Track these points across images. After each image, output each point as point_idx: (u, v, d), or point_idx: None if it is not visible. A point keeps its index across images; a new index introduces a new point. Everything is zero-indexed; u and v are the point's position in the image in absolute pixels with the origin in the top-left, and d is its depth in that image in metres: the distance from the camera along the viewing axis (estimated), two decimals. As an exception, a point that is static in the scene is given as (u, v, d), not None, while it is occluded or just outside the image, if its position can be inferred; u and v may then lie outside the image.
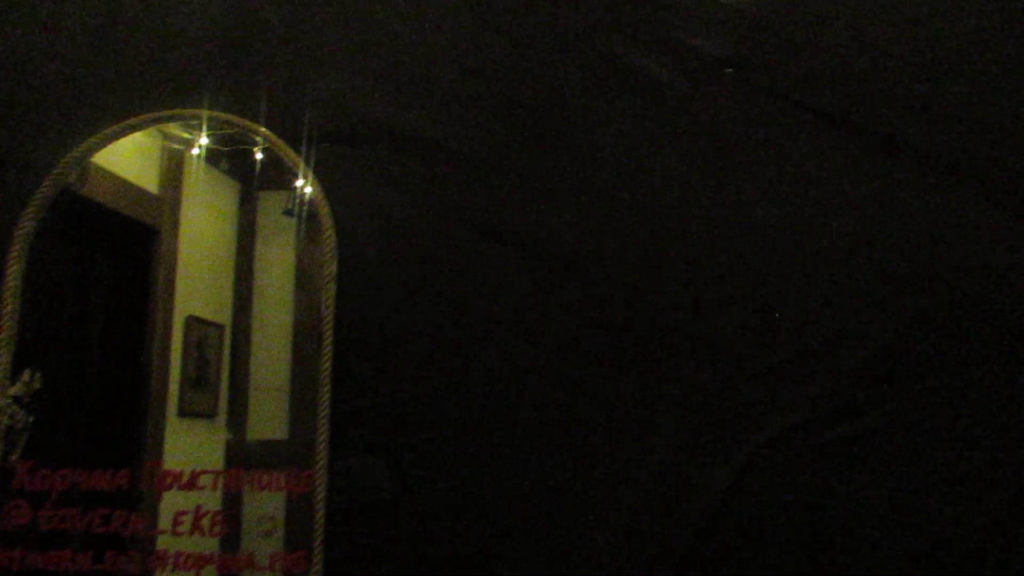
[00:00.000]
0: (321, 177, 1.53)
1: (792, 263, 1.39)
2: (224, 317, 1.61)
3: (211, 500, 1.44)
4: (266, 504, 1.47)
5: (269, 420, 1.57)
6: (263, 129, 1.54)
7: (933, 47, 1.44)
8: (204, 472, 1.44)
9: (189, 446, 1.56)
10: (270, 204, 1.63)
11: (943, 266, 1.35)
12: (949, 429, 1.31)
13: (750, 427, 1.35)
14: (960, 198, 1.37)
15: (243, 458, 1.52)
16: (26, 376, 1.48)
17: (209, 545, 1.43)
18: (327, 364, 1.47)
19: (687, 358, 1.39)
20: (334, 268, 1.51)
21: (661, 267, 1.43)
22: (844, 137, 1.42)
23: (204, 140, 1.58)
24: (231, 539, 1.46)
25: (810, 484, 1.32)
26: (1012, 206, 1.36)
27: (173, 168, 1.64)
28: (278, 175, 1.56)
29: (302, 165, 1.53)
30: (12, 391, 1.46)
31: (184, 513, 1.42)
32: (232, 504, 1.47)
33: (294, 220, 1.56)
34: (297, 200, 1.54)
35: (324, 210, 1.53)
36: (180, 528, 1.42)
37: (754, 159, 1.44)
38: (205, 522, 1.42)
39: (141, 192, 1.64)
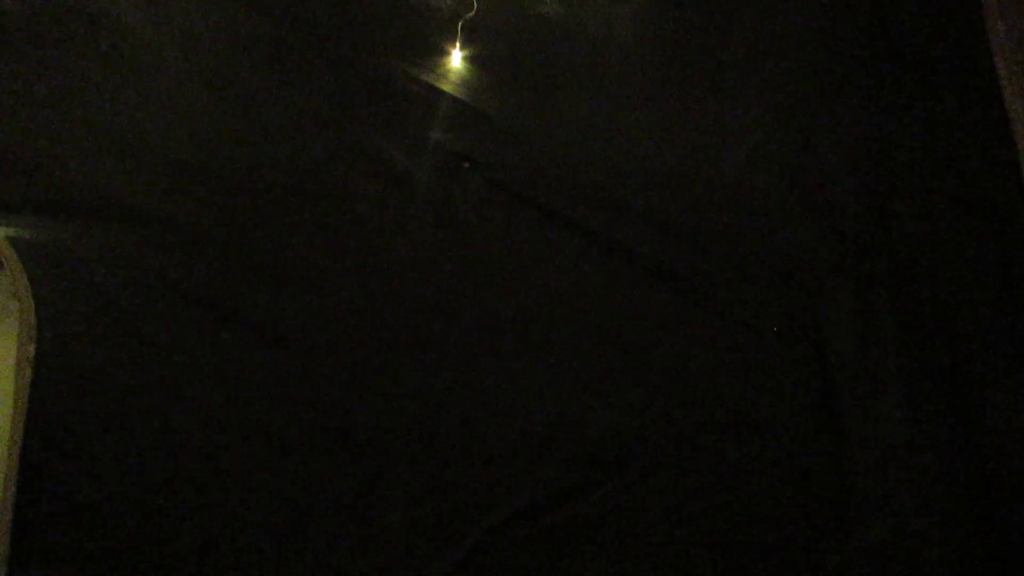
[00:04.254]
0: (21, 251, 1.37)
1: (516, 352, 1.44)
2: None
3: None
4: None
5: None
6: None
7: (653, 162, 1.58)
8: None
9: None
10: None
11: (655, 359, 1.46)
12: (661, 511, 1.39)
13: (475, 514, 1.35)
14: (670, 298, 1.50)
15: None
16: None
17: None
18: (13, 461, 1.29)
19: (413, 446, 1.38)
20: (31, 351, 1.35)
21: (390, 352, 1.42)
22: (569, 236, 1.52)
23: None
24: None
25: (534, 569, 1.34)
26: (722, 312, 1.50)
27: None
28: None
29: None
30: None
31: None
32: None
33: None
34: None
35: (22, 285, 1.37)
36: None
37: (486, 250, 1.49)
38: None
39: None
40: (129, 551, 1.29)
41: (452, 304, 1.46)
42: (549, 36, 1.60)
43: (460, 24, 1.59)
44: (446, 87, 1.59)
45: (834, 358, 1.47)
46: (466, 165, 1.56)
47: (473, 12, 1.59)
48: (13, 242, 1.37)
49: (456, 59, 1.62)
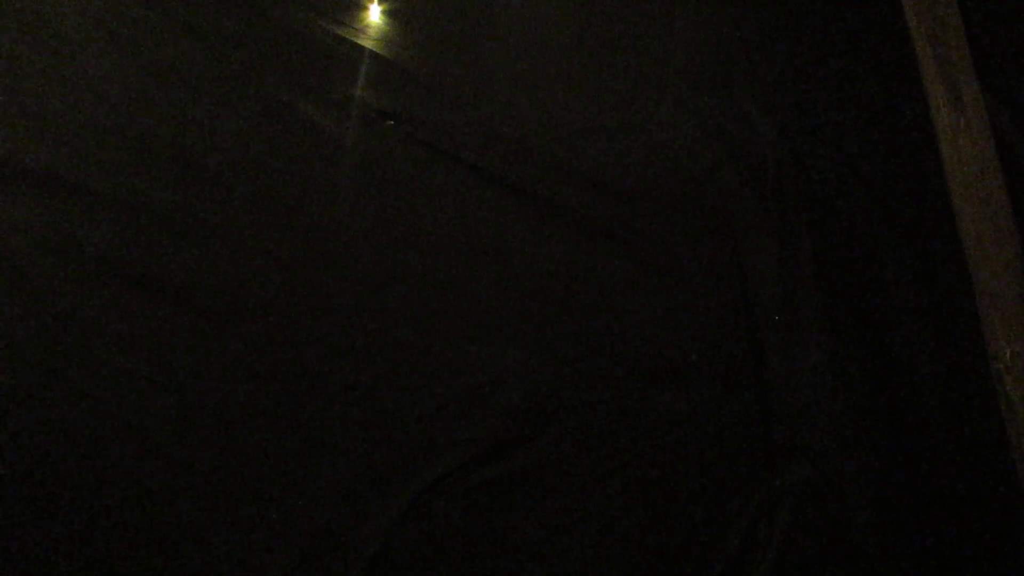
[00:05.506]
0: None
1: (445, 310, 1.43)
2: None
3: None
4: None
5: None
6: None
7: (577, 116, 1.58)
8: None
9: None
10: None
11: (583, 312, 1.47)
12: (592, 462, 1.41)
13: (409, 472, 1.35)
14: (597, 250, 1.51)
15: None
16: None
17: None
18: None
19: (344, 406, 1.36)
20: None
21: (317, 313, 1.39)
22: (495, 191, 1.51)
23: None
24: None
25: (467, 526, 1.35)
26: (648, 264, 1.52)
27: None
28: None
29: None
30: None
31: None
32: None
33: None
34: None
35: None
36: None
37: (411, 207, 1.47)
38: None
39: None
40: (44, 518, 1.25)
41: (377, 263, 1.44)
42: (470, -12, 1.57)
43: (378, -24, 1.55)
44: (366, 42, 1.55)
45: (758, 305, 1.50)
46: (389, 122, 1.53)
47: (391, -36, 1.55)
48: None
49: (375, 13, 1.58)
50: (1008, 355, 1.51)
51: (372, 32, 1.56)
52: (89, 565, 1.25)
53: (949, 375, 1.51)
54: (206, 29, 1.48)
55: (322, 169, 1.47)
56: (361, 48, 1.55)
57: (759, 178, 1.57)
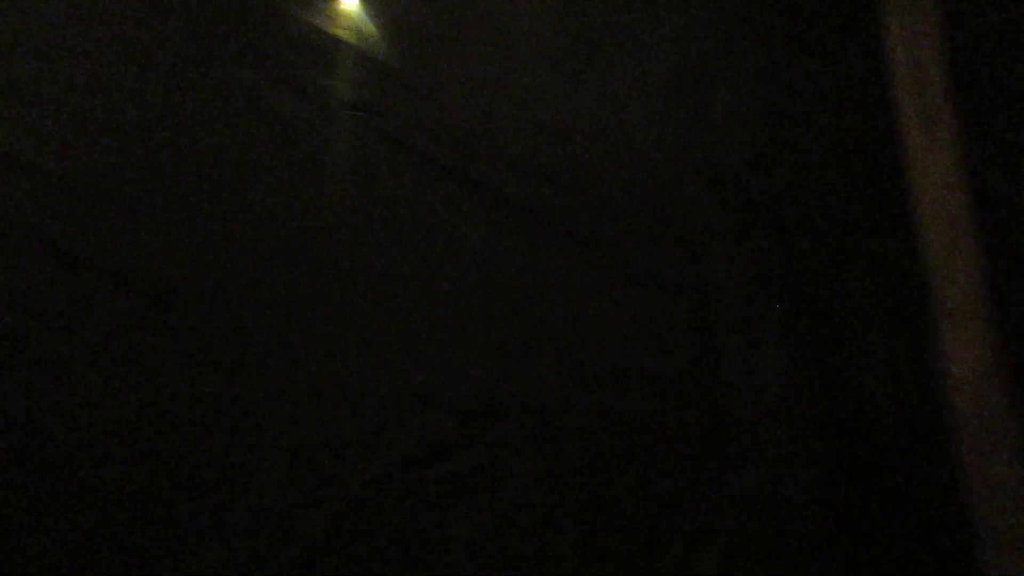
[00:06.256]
0: None
1: (398, 306, 1.42)
2: None
3: None
4: None
5: None
6: None
7: (548, 118, 1.57)
8: None
9: None
10: None
11: (539, 313, 1.46)
12: (539, 464, 1.40)
13: (351, 469, 1.34)
14: (557, 252, 1.50)
15: None
16: None
17: None
18: None
19: (287, 401, 1.35)
20: None
21: (267, 305, 1.38)
22: (459, 189, 1.50)
23: None
24: None
25: (409, 523, 1.34)
26: (608, 268, 1.51)
27: None
28: None
29: None
30: None
31: None
32: None
33: None
34: None
35: None
36: None
37: (373, 201, 1.46)
38: None
39: None
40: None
41: (334, 256, 1.42)
42: (445, -17, 1.57)
43: (351, -34, 1.54)
44: (338, 31, 1.54)
45: (716, 314, 1.50)
46: (357, 114, 1.52)
47: (365, -46, 1.54)
48: None
49: (350, 2, 1.57)
50: (958, 373, 1.52)
51: (345, 21, 1.55)
52: (20, 560, 1.23)
53: (903, 390, 1.52)
54: (173, 8, 1.46)
55: (284, 158, 1.46)
56: (332, 37, 1.54)
57: (724, 187, 1.57)
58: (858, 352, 1.54)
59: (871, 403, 1.50)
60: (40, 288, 1.32)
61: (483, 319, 1.44)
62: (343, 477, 1.33)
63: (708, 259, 1.53)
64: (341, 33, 1.54)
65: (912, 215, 1.64)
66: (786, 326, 1.51)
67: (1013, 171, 1.56)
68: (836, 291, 1.56)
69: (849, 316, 1.55)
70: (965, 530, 1.47)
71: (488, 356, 1.43)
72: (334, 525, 1.30)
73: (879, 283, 1.58)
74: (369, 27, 1.55)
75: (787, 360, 1.49)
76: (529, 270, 1.48)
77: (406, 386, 1.38)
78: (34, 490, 1.26)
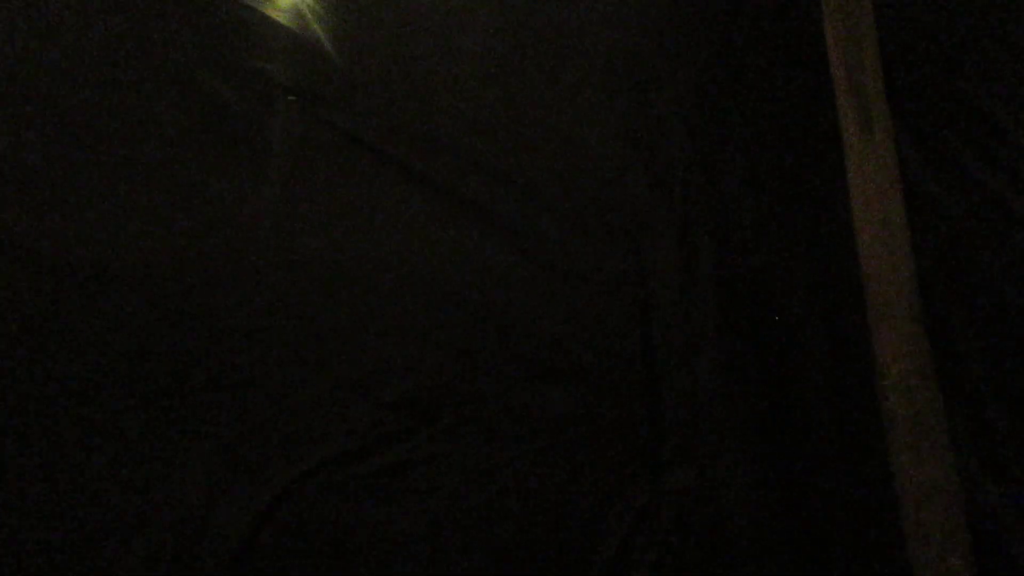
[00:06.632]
0: None
1: (334, 296, 1.38)
2: None
3: None
4: None
5: None
6: None
7: (487, 109, 1.55)
8: None
9: None
10: None
11: (477, 305, 1.44)
12: (476, 458, 1.37)
13: (284, 461, 1.29)
14: (497, 245, 1.48)
15: None
16: None
17: None
18: None
19: (216, 392, 1.29)
20: None
21: (197, 293, 1.33)
22: (396, 178, 1.47)
23: None
24: None
25: (342, 515, 1.29)
26: (548, 262, 1.50)
27: None
28: None
29: None
30: None
31: None
32: None
33: None
34: None
35: None
36: None
37: (308, 189, 1.42)
38: None
39: None
40: None
41: (266, 243, 1.38)
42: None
43: (290, -53, 1.50)
44: (277, 15, 1.50)
45: (655, 310, 1.50)
46: (292, 98, 1.48)
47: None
48: None
49: (288, -14, 1.53)
50: (895, 373, 1.54)
51: (281, 3, 1.51)
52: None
53: (838, 389, 1.53)
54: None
55: (216, 141, 1.41)
56: (271, 20, 1.50)
57: (666, 184, 1.57)
58: (795, 352, 1.55)
59: (806, 401, 1.51)
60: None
61: (421, 311, 1.41)
62: (272, 472, 1.28)
63: (648, 255, 1.52)
64: (279, 16, 1.50)
65: (849, 216, 1.66)
66: (725, 325, 1.51)
67: (943, 173, 1.59)
68: (774, 290, 1.57)
69: (787, 316, 1.56)
70: (897, 527, 1.49)
71: (426, 349, 1.40)
72: (260, 520, 1.25)
73: (817, 284, 1.59)
74: (309, 12, 1.51)
75: (724, 357, 1.49)
76: (468, 263, 1.45)
77: (341, 379, 1.34)
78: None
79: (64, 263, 1.30)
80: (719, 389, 1.47)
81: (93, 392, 1.26)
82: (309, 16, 1.51)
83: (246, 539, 1.24)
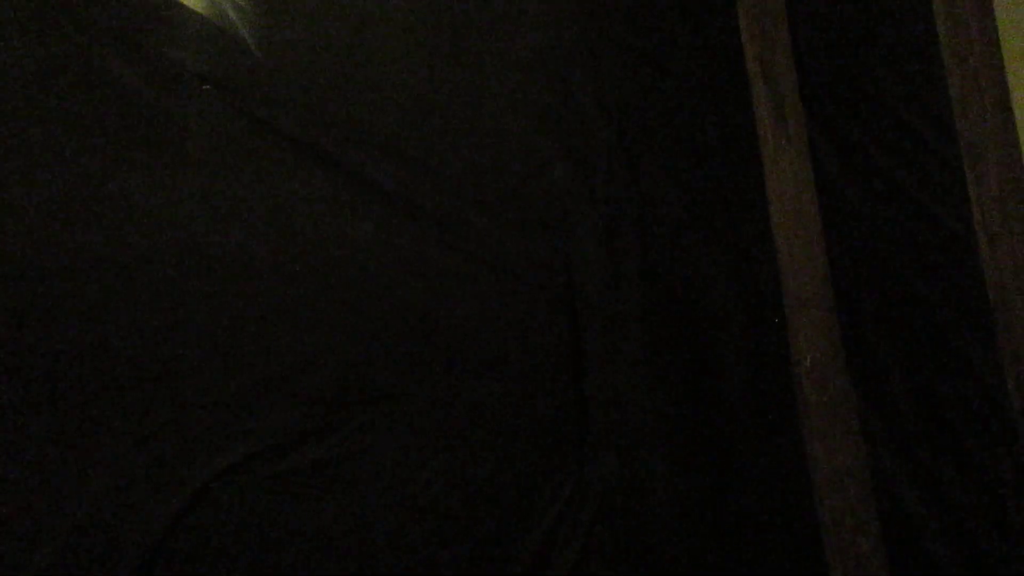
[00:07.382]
0: None
1: (251, 289, 1.34)
2: None
3: None
4: None
5: None
6: None
7: (408, 97, 1.53)
8: None
9: None
10: None
11: (401, 298, 1.42)
12: (397, 455, 1.35)
13: (200, 459, 1.24)
14: (420, 236, 1.47)
15: None
16: None
17: None
18: None
19: (126, 389, 1.24)
20: None
21: (103, 287, 1.27)
22: (314, 168, 1.43)
23: None
24: None
25: (262, 514, 1.26)
26: (471, 252, 1.49)
27: None
28: None
29: None
30: None
31: None
32: None
33: None
34: None
35: None
36: None
37: (220, 178, 1.38)
38: None
39: None
40: None
41: (178, 236, 1.33)
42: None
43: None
44: (189, 1, 1.45)
45: (580, 300, 1.51)
46: (205, 87, 1.43)
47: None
48: None
49: (203, -27, 1.48)
50: (809, 360, 1.59)
51: (195, -9, 1.46)
52: None
53: (756, 377, 1.56)
54: (-4, -37, 1.33)
55: (126, 132, 1.35)
56: (182, 6, 1.45)
57: (590, 175, 1.58)
58: (716, 341, 1.58)
59: (727, 390, 1.54)
60: None
61: (343, 304, 1.39)
62: (186, 471, 1.23)
63: (571, 246, 1.53)
64: (191, 2, 1.45)
65: (766, 208, 1.70)
66: (648, 315, 1.53)
67: (855, 167, 1.65)
68: (696, 282, 1.60)
69: (708, 306, 1.59)
70: (811, 512, 1.53)
71: (348, 342, 1.37)
72: (173, 521, 1.20)
73: (737, 275, 1.63)
74: (226, 1, 1.47)
75: (649, 348, 1.51)
76: (390, 254, 1.43)
77: (259, 375, 1.30)
78: None
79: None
80: (642, 378, 1.49)
81: (8, 388, 1.19)
82: (223, 3, 1.47)
83: (160, 540, 1.20)
